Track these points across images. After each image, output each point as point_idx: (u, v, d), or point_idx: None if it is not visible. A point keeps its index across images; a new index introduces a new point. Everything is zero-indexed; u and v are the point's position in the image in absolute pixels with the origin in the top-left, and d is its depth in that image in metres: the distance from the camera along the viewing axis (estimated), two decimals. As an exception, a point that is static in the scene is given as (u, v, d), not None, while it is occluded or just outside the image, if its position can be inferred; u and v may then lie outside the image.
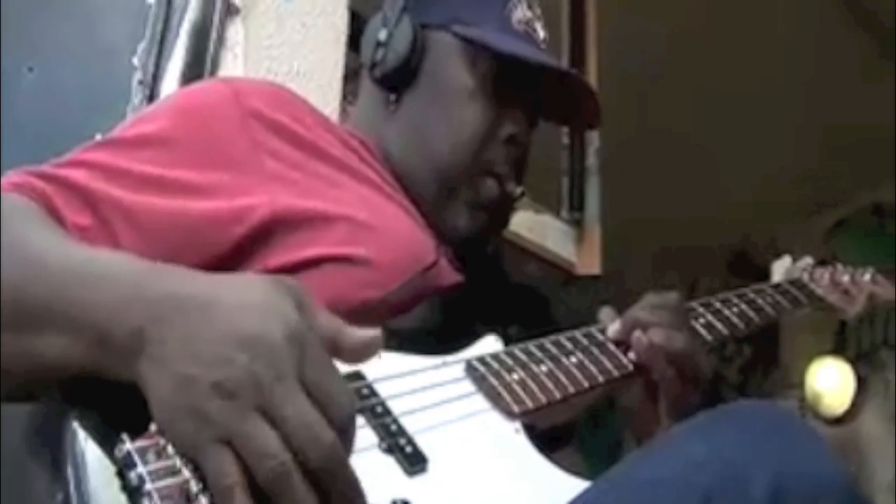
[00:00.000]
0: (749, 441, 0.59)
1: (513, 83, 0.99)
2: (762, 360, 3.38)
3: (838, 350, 3.15)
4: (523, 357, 0.83)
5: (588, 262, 1.96)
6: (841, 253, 3.09)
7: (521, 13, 1.01)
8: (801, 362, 3.18)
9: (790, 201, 3.16)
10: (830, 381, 3.08)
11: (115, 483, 0.57)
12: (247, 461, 0.54)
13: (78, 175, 0.79)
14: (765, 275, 1.26)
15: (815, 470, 0.57)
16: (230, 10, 1.26)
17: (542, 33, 1.04)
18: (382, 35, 1.00)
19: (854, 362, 3.12)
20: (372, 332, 0.63)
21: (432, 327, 0.84)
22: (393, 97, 1.00)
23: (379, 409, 0.70)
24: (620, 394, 0.92)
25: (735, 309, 1.04)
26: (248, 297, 0.59)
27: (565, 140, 2.02)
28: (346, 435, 0.57)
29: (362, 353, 0.63)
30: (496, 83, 0.98)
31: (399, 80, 0.99)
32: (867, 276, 1.31)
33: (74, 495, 0.58)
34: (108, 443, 0.58)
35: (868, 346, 3.15)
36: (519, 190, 0.99)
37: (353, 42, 1.43)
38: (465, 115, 0.97)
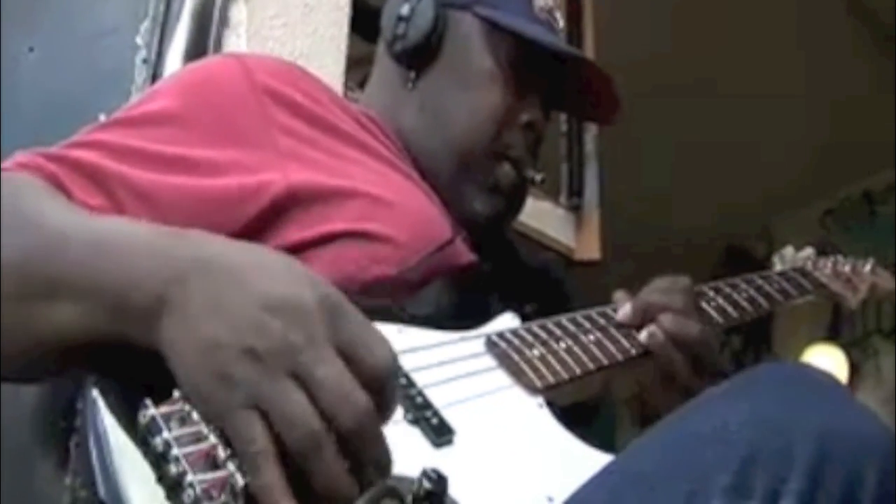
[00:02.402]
0: (791, 401, 0.58)
1: (533, 69, 0.98)
2: (754, 349, 3.39)
3: (831, 337, 3.17)
4: (543, 334, 0.83)
5: (587, 248, 1.95)
6: (832, 242, 3.10)
7: (542, 0, 1.00)
8: (794, 349, 3.20)
9: (784, 190, 3.18)
10: (824, 368, 3.10)
11: (138, 450, 0.56)
12: (276, 427, 0.53)
13: (87, 155, 0.78)
14: (758, 264, 1.26)
15: (859, 429, 0.56)
16: (233, -10, 1.25)
17: (561, 23, 1.03)
18: (405, 10, 0.98)
19: (847, 349, 3.15)
20: None
21: (449, 304, 0.84)
22: (412, 74, 0.99)
23: (403, 381, 0.69)
24: (617, 384, 0.92)
25: (744, 294, 1.04)
26: (274, 262, 0.59)
27: (563, 127, 2.01)
28: (384, 392, 0.55)
29: None
30: (516, 68, 0.97)
31: (419, 57, 0.98)
32: (867, 267, 1.33)
33: (97, 464, 0.57)
34: (130, 410, 0.57)
35: (861, 333, 3.17)
36: (539, 176, 0.98)
37: (356, 26, 1.42)
38: (485, 98, 0.96)
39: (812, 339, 3.19)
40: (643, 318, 0.88)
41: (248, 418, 0.53)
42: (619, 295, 0.92)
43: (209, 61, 1.01)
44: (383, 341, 0.57)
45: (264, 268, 0.57)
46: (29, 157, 0.77)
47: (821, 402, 0.59)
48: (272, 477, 0.52)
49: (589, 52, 1.99)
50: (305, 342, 0.54)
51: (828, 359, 3.12)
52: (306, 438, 0.52)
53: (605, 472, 0.62)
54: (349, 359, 0.55)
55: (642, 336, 0.88)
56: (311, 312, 0.55)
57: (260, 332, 0.54)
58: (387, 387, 0.56)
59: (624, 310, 0.90)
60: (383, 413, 0.56)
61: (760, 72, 2.78)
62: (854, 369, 3.12)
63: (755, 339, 3.37)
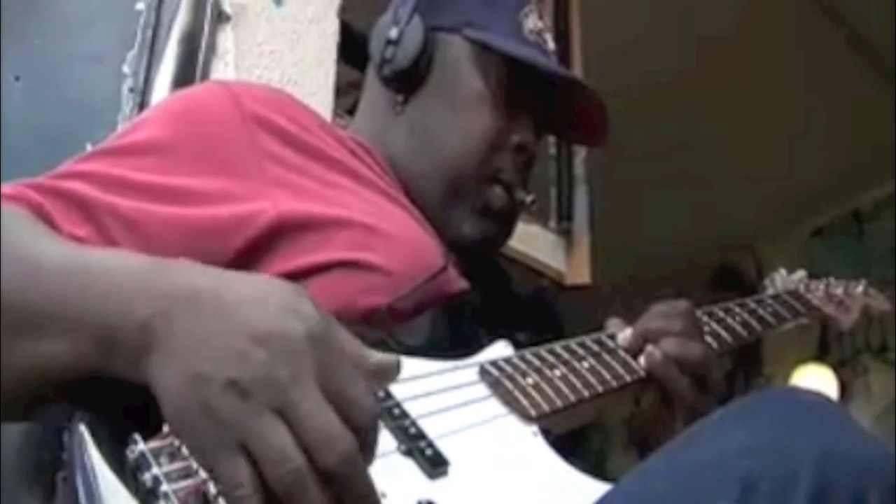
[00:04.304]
0: (791, 425, 0.58)
1: (523, 91, 0.98)
2: (744, 369, 3.39)
3: (820, 357, 3.18)
4: (536, 361, 0.82)
5: (578, 273, 1.94)
6: (821, 260, 3.12)
7: (532, 22, 1.00)
8: (784, 370, 3.20)
9: (771, 210, 3.19)
10: (814, 388, 3.10)
11: (127, 487, 0.55)
12: (260, 465, 0.52)
13: (74, 186, 0.77)
14: (749, 284, 1.27)
15: (859, 452, 0.56)
16: (220, 18, 1.25)
17: (551, 45, 1.03)
18: (393, 33, 0.98)
19: (836, 368, 3.15)
20: (392, 357, 0.61)
21: (441, 333, 0.83)
22: (400, 98, 0.98)
23: (396, 412, 0.69)
24: (611, 410, 0.91)
25: (738, 318, 1.04)
26: (265, 293, 0.57)
27: (552, 150, 2.01)
28: (367, 440, 0.55)
29: (382, 375, 0.61)
30: (507, 89, 0.97)
31: (408, 80, 0.98)
32: (860, 289, 1.33)
33: (84, 500, 0.55)
34: (118, 445, 0.56)
35: (850, 352, 3.18)
36: (530, 198, 0.98)
37: (344, 54, 1.42)
38: (475, 121, 0.96)
39: (801, 359, 3.19)
40: (643, 343, 0.88)
41: (234, 460, 0.52)
42: (613, 322, 0.92)
43: (196, 89, 1.00)
44: (366, 386, 0.56)
45: (252, 299, 0.56)
46: (15, 188, 0.76)
47: (819, 425, 0.58)
48: None
49: (577, 73, 2.00)
50: (290, 378, 0.53)
51: (817, 378, 3.13)
52: (290, 477, 0.51)
53: (606, 500, 0.62)
54: (335, 397, 0.54)
55: (641, 359, 0.88)
56: (297, 347, 0.54)
57: (245, 365, 0.53)
58: (372, 427, 0.55)
59: (624, 335, 0.90)
60: (366, 453, 0.55)
61: (753, 94, 2.80)
62: (844, 388, 3.13)
63: (745, 359, 3.37)
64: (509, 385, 0.78)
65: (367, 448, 0.55)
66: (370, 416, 0.55)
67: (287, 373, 0.53)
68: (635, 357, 0.88)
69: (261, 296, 0.57)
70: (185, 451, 0.55)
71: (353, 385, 0.55)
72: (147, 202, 0.78)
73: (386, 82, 0.99)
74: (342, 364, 0.55)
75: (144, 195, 0.78)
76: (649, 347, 0.87)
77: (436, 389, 0.73)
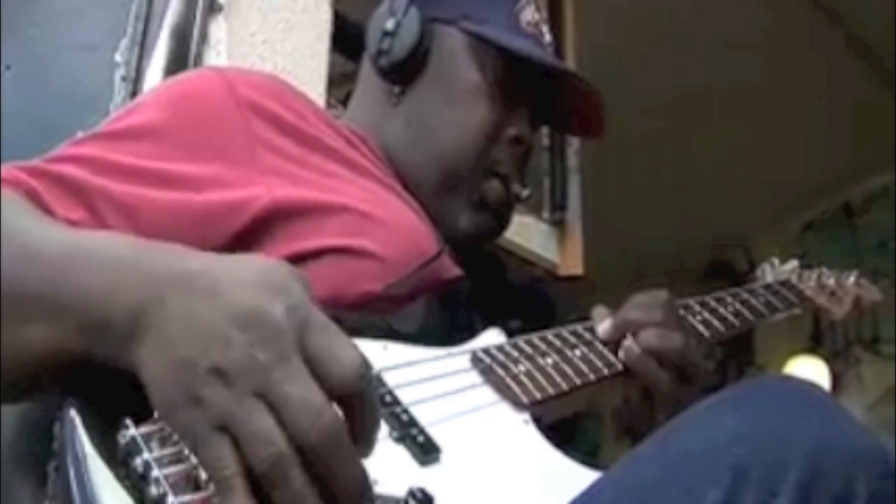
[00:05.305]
0: (783, 414, 0.58)
1: (520, 83, 0.98)
2: (737, 361, 3.40)
3: (813, 348, 3.19)
4: (528, 349, 0.82)
5: (570, 263, 1.95)
6: (812, 254, 3.13)
7: (529, 15, 1.00)
8: (776, 360, 3.21)
9: (763, 203, 3.20)
10: (807, 379, 3.11)
11: (118, 472, 0.55)
12: (243, 448, 0.52)
13: (68, 169, 0.77)
14: (742, 277, 1.27)
15: (850, 442, 0.56)
16: (212, 7, 1.24)
17: (548, 37, 1.03)
18: (390, 24, 0.98)
19: (828, 359, 3.16)
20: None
21: (434, 320, 0.83)
22: (397, 89, 0.98)
23: (388, 399, 0.69)
24: (603, 399, 0.91)
25: (731, 308, 1.04)
26: (247, 271, 0.57)
27: (546, 141, 2.01)
28: (358, 404, 0.54)
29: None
30: (503, 82, 0.97)
31: (404, 71, 0.98)
32: (851, 279, 1.33)
33: (76, 488, 0.55)
34: (109, 430, 0.56)
35: (842, 344, 3.19)
36: (526, 192, 0.97)
37: (337, 43, 1.41)
38: (472, 113, 0.96)
39: (794, 350, 3.20)
40: (622, 334, 0.87)
41: (216, 441, 0.52)
42: (598, 311, 0.91)
43: (190, 75, 1.00)
44: (352, 350, 0.55)
45: (239, 278, 0.56)
46: (8, 171, 0.76)
47: (811, 415, 0.58)
48: (241, 500, 0.51)
49: (570, 63, 2.00)
50: (270, 358, 0.53)
51: (810, 369, 3.14)
52: (271, 460, 0.51)
53: (596, 488, 0.62)
54: (317, 371, 0.54)
55: (619, 353, 0.87)
56: (277, 326, 0.54)
57: (225, 349, 0.53)
58: (359, 398, 0.55)
59: (603, 326, 0.89)
60: (361, 427, 0.55)
61: (749, 91, 2.80)
62: (836, 379, 3.14)
63: (737, 350, 3.38)
64: (501, 373, 0.78)
65: (360, 414, 0.54)
66: (353, 375, 0.54)
67: (267, 355, 0.53)
68: (615, 349, 0.87)
69: (245, 275, 0.57)
70: (176, 436, 0.55)
71: (335, 350, 0.54)
72: (141, 187, 0.78)
73: (382, 73, 0.99)
74: (323, 332, 0.55)
75: (138, 180, 0.78)
76: (627, 341, 0.86)
77: (428, 376, 0.74)
